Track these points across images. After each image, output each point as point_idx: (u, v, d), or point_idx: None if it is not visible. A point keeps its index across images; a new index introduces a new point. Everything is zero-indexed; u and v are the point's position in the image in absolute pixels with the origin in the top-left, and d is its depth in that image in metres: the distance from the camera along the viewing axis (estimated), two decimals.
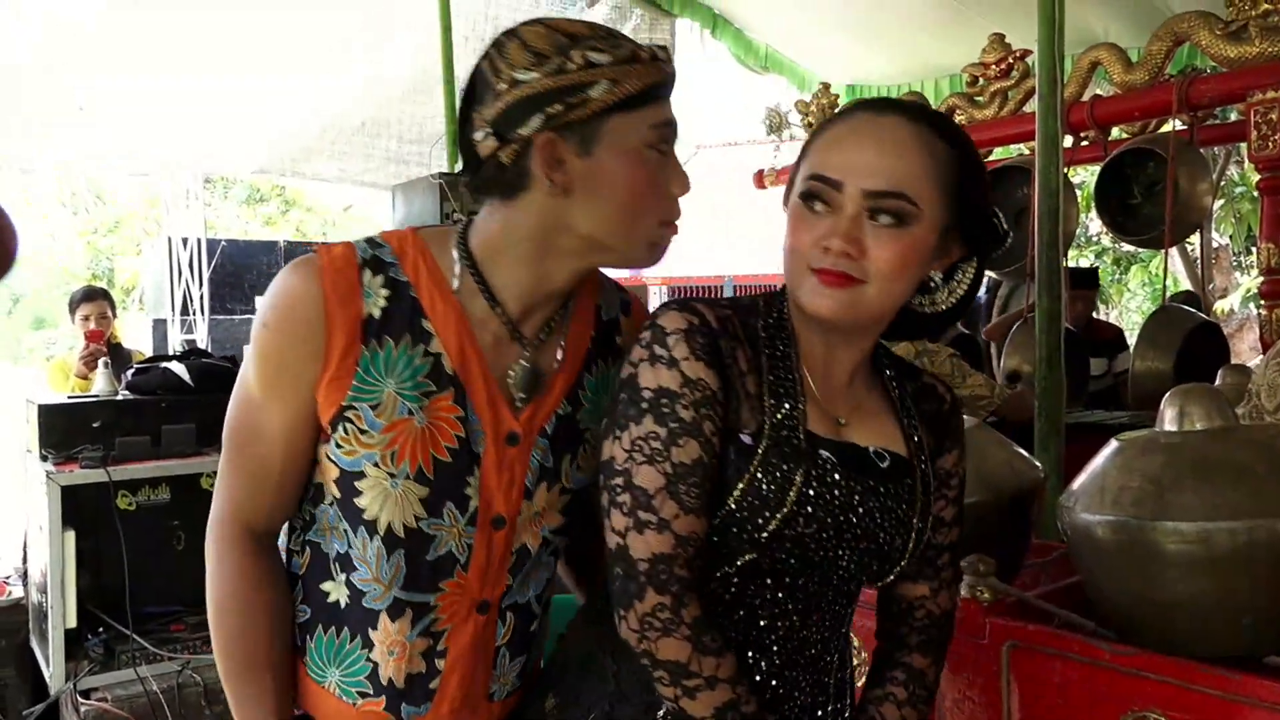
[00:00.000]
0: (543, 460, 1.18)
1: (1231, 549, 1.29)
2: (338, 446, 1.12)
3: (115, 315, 4.62)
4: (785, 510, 1.07)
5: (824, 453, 1.11)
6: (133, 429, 3.03)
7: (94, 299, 4.50)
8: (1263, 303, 3.27)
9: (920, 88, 5.32)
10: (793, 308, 1.15)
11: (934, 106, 4.39)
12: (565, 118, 1.05)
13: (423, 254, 1.15)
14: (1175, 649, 1.36)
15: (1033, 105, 2.99)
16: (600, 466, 1.10)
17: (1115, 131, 4.21)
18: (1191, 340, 3.92)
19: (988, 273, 3.84)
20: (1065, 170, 3.15)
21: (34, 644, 3.08)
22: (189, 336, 7.27)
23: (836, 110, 1.19)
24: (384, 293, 1.12)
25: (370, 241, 1.15)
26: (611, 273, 1.28)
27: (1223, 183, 8.98)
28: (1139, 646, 1.39)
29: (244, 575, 1.16)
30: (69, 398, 3.32)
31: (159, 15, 4.58)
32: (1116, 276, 11.58)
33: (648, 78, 1.08)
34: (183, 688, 2.78)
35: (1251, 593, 1.31)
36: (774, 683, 1.14)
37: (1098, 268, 8.77)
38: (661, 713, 1.10)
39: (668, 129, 1.12)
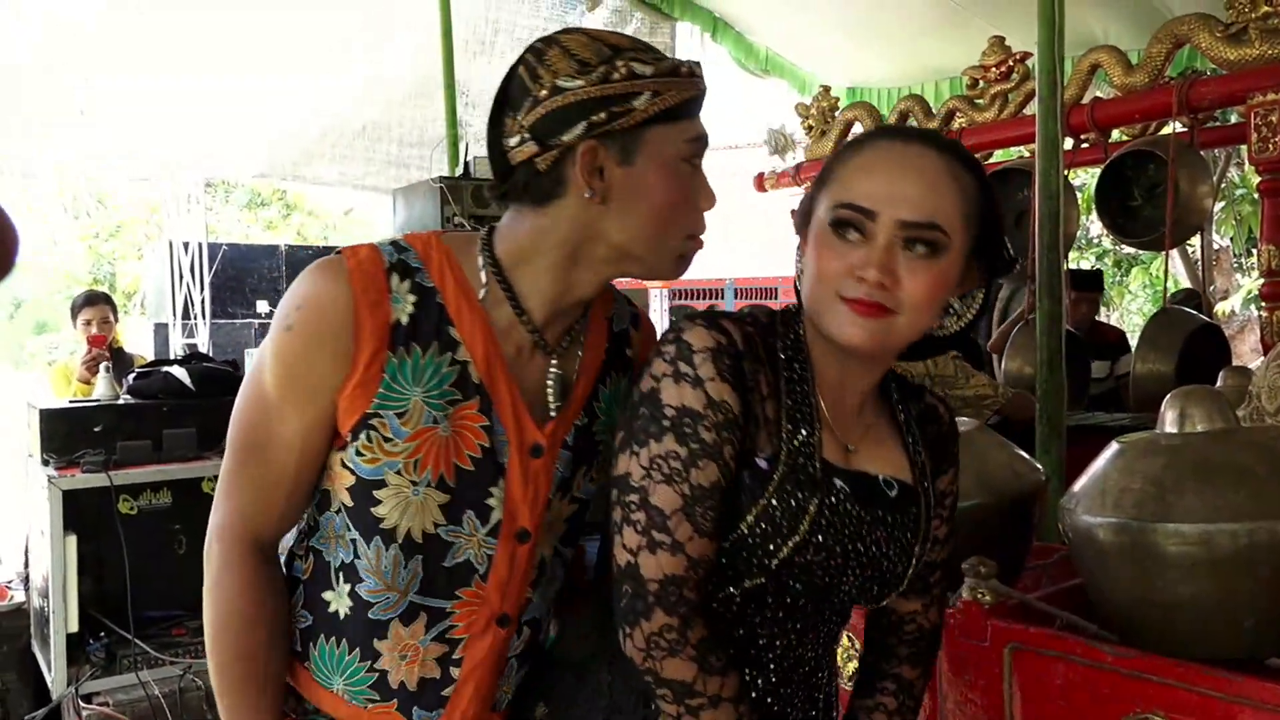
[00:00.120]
0: (563, 471, 1.18)
1: (1233, 551, 1.29)
2: (358, 454, 1.09)
3: (117, 320, 4.62)
4: (797, 539, 1.07)
5: (838, 482, 1.12)
6: (134, 433, 3.03)
7: (96, 303, 4.50)
8: (1263, 304, 3.27)
9: (920, 90, 5.32)
10: (810, 331, 1.14)
11: (934, 109, 4.39)
12: (608, 126, 1.05)
13: (448, 259, 1.13)
14: (1177, 651, 1.35)
15: (1033, 108, 3.00)
16: (614, 480, 1.09)
17: (1115, 134, 4.22)
18: (1193, 342, 3.92)
19: None
20: (1065, 172, 3.15)
21: (35, 649, 3.08)
22: (190, 341, 7.28)
23: (856, 136, 1.17)
24: (411, 298, 1.10)
25: (395, 245, 1.13)
26: None
27: (1223, 185, 8.98)
28: (1141, 648, 1.39)
29: (250, 589, 1.12)
30: (70, 402, 3.32)
31: (159, 16, 4.59)
32: (1117, 279, 11.57)
33: (686, 91, 1.09)
34: (184, 692, 2.78)
35: (1253, 595, 1.30)
36: (769, 700, 1.15)
37: (1101, 270, 8.76)
38: None
39: (700, 143, 1.12)
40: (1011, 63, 4.01)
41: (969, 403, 3.01)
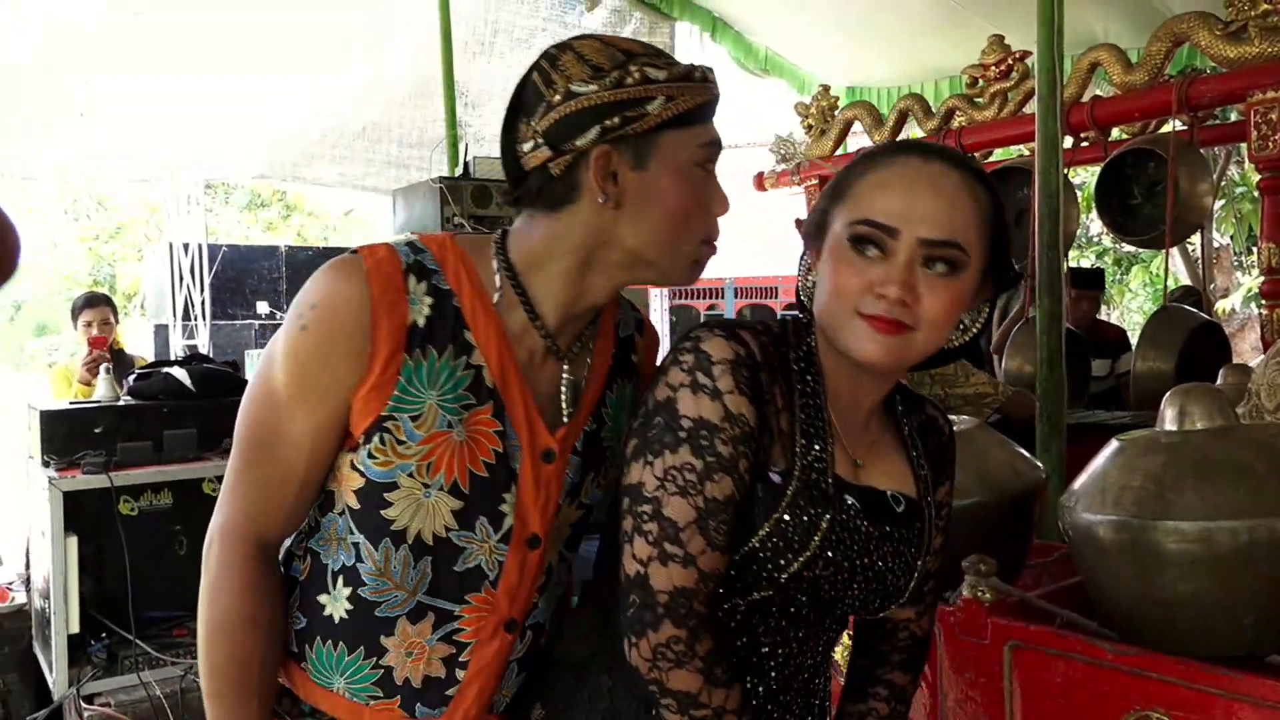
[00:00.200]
0: (572, 477, 1.18)
1: (1233, 548, 1.29)
2: (370, 457, 1.09)
3: (117, 321, 4.63)
4: (808, 554, 1.07)
5: (848, 498, 1.12)
6: (134, 434, 3.03)
7: (96, 305, 4.51)
8: (1264, 302, 3.27)
9: (920, 89, 5.32)
10: (822, 345, 1.14)
11: (934, 108, 4.39)
12: (622, 131, 1.05)
13: (464, 262, 1.13)
14: (1177, 649, 1.35)
15: (1032, 106, 2.99)
16: (625, 489, 1.08)
17: (1115, 132, 4.21)
18: (1193, 340, 3.92)
19: None
20: (1065, 171, 3.15)
21: (37, 650, 3.08)
22: (191, 342, 7.28)
23: (869, 150, 1.17)
24: (428, 300, 1.09)
25: (412, 246, 1.12)
26: None
27: (1223, 183, 8.98)
28: (1141, 646, 1.39)
29: (251, 591, 1.11)
30: (70, 403, 3.32)
31: (159, 16, 4.59)
32: (1118, 277, 11.58)
33: (699, 96, 1.09)
34: (186, 692, 2.78)
35: (1253, 592, 1.30)
36: (769, 707, 1.15)
37: (1103, 269, 8.76)
38: None
39: (713, 148, 1.12)
40: (1011, 61, 4.00)
41: (969, 401, 3.01)
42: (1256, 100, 3.09)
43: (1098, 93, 4.03)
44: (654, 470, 1.05)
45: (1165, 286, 4.65)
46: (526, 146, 1.08)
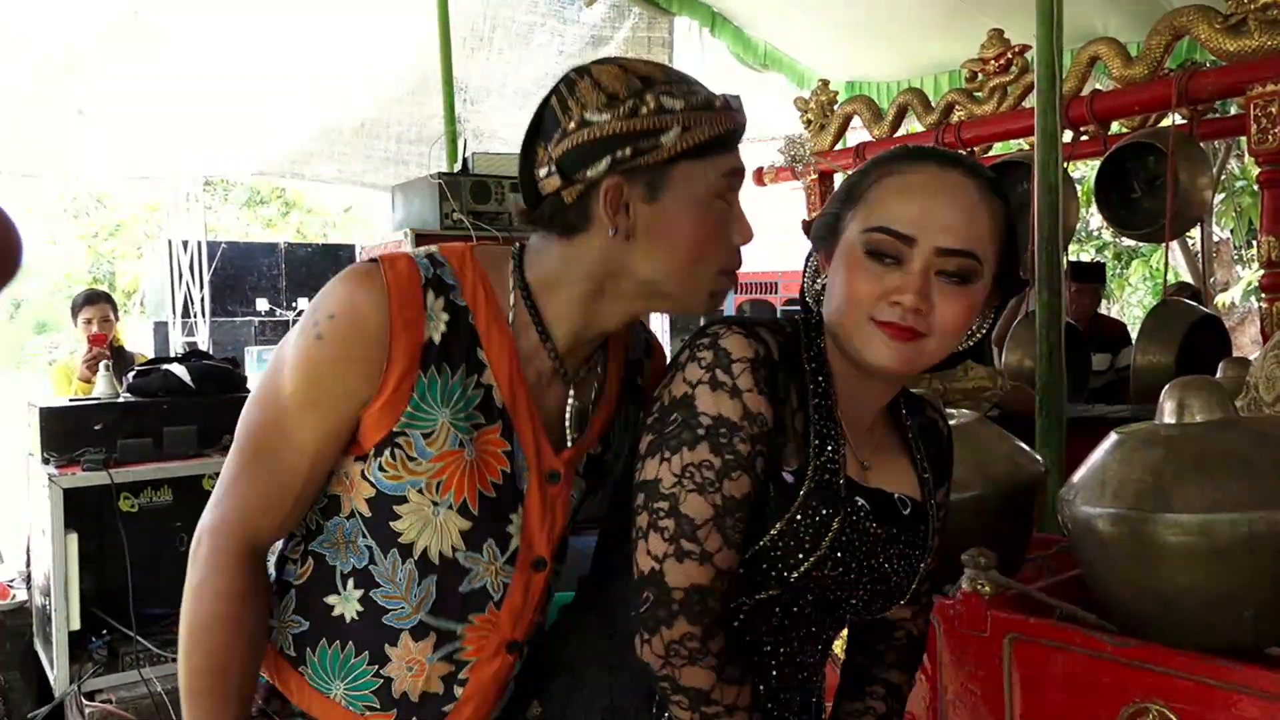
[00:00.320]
0: (576, 500, 1.19)
1: (1232, 541, 1.29)
2: (380, 470, 1.08)
3: (117, 318, 4.62)
4: (818, 554, 1.08)
5: (859, 499, 1.12)
6: (134, 431, 3.03)
7: (96, 302, 4.50)
8: (1263, 296, 3.27)
9: (920, 84, 5.32)
10: (831, 347, 1.14)
11: (933, 102, 4.38)
12: (634, 162, 1.03)
13: (482, 279, 1.12)
14: (1177, 641, 1.36)
15: (1032, 100, 2.98)
16: (639, 485, 1.08)
17: (1115, 126, 4.21)
18: (1193, 334, 3.92)
19: None
20: (1065, 165, 3.15)
21: (38, 647, 3.09)
22: (190, 339, 7.29)
23: (883, 155, 1.15)
24: (444, 317, 1.08)
25: (432, 259, 1.11)
26: None
27: (1223, 176, 8.97)
28: (1140, 639, 1.39)
29: (238, 593, 1.09)
30: (70, 400, 3.32)
31: (159, 17, 4.59)
32: (1117, 271, 11.57)
33: (719, 126, 1.06)
34: None
35: (1252, 584, 1.31)
36: (770, 705, 1.16)
37: (1103, 262, 8.75)
38: None
39: (736, 177, 1.10)
40: (1010, 55, 3.99)
41: (968, 395, 3.01)
42: (1256, 94, 3.08)
43: (1097, 87, 4.03)
44: (671, 466, 1.05)
45: (1165, 280, 4.65)
46: (542, 172, 1.07)
